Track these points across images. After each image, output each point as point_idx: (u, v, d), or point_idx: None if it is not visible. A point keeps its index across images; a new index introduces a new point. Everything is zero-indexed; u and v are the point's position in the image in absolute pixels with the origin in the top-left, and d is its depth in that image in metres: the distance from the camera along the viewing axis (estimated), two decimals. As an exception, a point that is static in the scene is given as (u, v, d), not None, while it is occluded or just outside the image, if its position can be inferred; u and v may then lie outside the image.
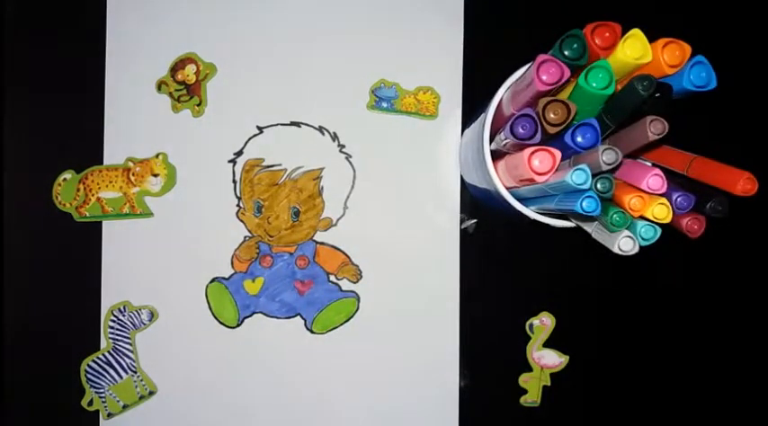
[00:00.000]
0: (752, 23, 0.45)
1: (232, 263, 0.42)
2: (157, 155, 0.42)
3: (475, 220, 0.43)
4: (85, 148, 0.41)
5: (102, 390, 0.41)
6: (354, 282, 0.42)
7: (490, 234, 0.43)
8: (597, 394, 0.44)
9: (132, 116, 0.42)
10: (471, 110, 0.42)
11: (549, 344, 0.43)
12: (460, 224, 0.43)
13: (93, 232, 0.41)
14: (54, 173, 0.41)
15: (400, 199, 0.42)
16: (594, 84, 0.28)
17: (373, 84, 0.43)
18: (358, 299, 0.42)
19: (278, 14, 0.43)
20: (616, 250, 0.30)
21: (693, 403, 0.44)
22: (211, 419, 0.42)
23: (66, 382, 0.41)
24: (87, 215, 0.41)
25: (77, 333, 0.41)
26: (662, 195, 0.29)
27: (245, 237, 0.42)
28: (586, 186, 0.28)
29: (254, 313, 0.42)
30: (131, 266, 0.41)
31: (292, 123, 0.42)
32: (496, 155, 0.34)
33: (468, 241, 0.43)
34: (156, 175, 0.41)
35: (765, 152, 0.44)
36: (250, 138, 0.42)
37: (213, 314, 0.42)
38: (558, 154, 0.29)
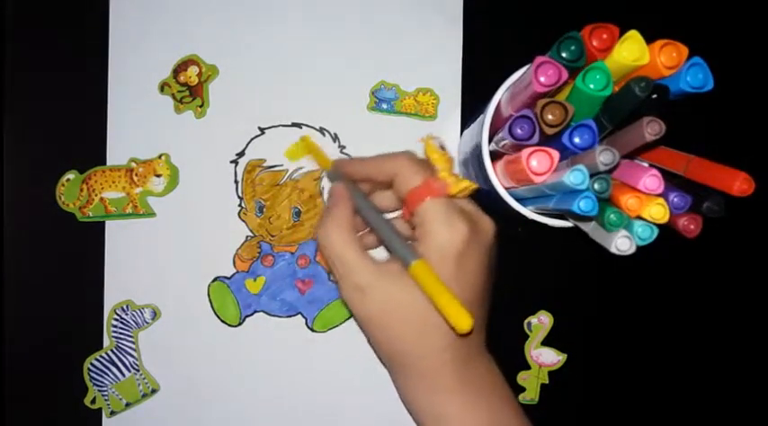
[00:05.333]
0: (749, 25, 0.45)
1: (234, 263, 0.42)
2: (160, 156, 0.42)
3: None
4: (88, 149, 0.42)
5: (105, 388, 0.41)
6: (355, 281, 0.43)
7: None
8: (595, 392, 0.44)
9: (135, 117, 0.42)
10: (470, 112, 0.43)
11: (546, 342, 0.44)
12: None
13: (96, 232, 0.42)
14: (57, 174, 0.41)
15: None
16: (592, 86, 0.28)
17: (373, 85, 0.43)
18: (358, 298, 0.42)
19: (279, 16, 0.43)
20: (613, 249, 0.31)
21: (691, 402, 0.45)
22: (213, 416, 0.42)
23: (70, 380, 0.41)
24: (90, 215, 0.42)
25: (80, 332, 0.41)
26: (659, 195, 0.29)
27: (247, 237, 0.42)
28: (584, 186, 0.28)
29: (255, 312, 0.42)
30: (134, 265, 0.42)
31: (293, 124, 0.43)
32: (495, 156, 0.34)
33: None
34: (158, 176, 0.42)
35: (762, 153, 0.44)
36: (252, 139, 0.42)
37: (215, 312, 0.42)
38: (556, 154, 0.29)
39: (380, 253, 0.36)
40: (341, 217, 0.35)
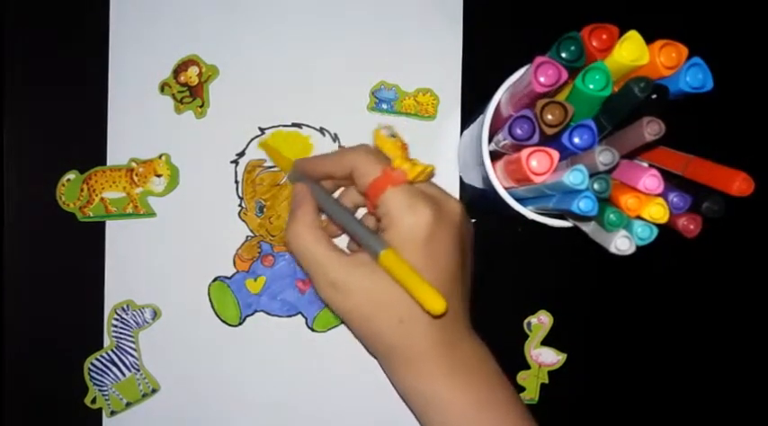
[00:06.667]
0: (748, 25, 0.46)
1: (234, 263, 0.42)
2: (160, 156, 0.42)
3: (473, 220, 0.43)
4: (89, 149, 0.42)
5: (105, 388, 0.41)
6: (355, 281, 0.43)
7: (489, 233, 0.43)
8: (594, 392, 0.44)
9: (135, 117, 0.42)
10: (470, 112, 0.43)
11: (546, 342, 0.44)
12: (460, 223, 0.43)
13: (96, 232, 0.42)
14: (57, 174, 0.41)
15: (400, 199, 0.43)
16: (592, 86, 0.28)
17: (373, 85, 0.43)
18: (358, 298, 0.43)
19: (279, 17, 0.43)
20: (613, 249, 0.31)
21: (691, 402, 0.45)
22: (213, 416, 0.42)
23: (70, 380, 0.41)
24: (91, 215, 0.42)
25: (81, 332, 0.42)
26: (658, 195, 0.30)
27: (247, 237, 0.42)
28: (583, 186, 0.28)
29: (255, 311, 0.42)
30: (134, 265, 0.42)
31: (293, 124, 0.43)
32: (495, 156, 0.34)
33: (467, 240, 0.43)
34: (159, 176, 0.42)
35: (762, 153, 0.45)
36: (252, 139, 0.42)
37: (215, 312, 0.42)
38: (556, 154, 0.29)
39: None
40: (306, 216, 0.35)
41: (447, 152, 0.43)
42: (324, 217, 0.38)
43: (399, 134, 0.36)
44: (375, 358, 0.37)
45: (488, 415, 0.34)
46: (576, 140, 0.29)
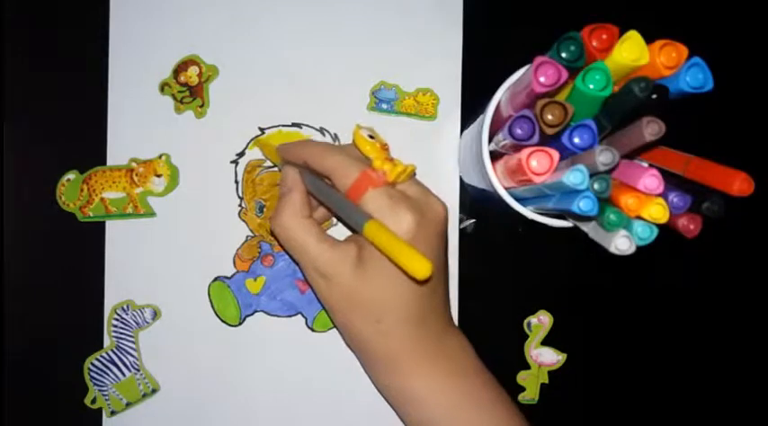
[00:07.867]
0: (748, 25, 0.46)
1: (234, 263, 0.42)
2: (160, 156, 0.42)
3: (473, 220, 0.43)
4: (89, 149, 0.42)
5: (105, 388, 0.41)
6: (355, 281, 0.43)
7: (489, 233, 0.43)
8: (594, 392, 0.44)
9: (135, 117, 0.42)
10: (470, 112, 0.43)
11: (546, 342, 0.44)
12: (459, 223, 0.43)
13: (96, 232, 0.42)
14: (57, 174, 0.41)
15: (400, 199, 0.43)
16: (592, 86, 0.28)
17: (373, 85, 0.43)
18: (358, 298, 0.43)
19: (279, 16, 0.43)
20: (613, 249, 0.31)
21: (691, 402, 0.45)
22: (213, 416, 0.42)
23: (70, 380, 0.41)
24: (91, 215, 0.42)
25: (81, 332, 0.42)
26: (658, 195, 0.30)
27: (247, 237, 0.42)
28: (583, 186, 0.28)
29: (255, 311, 0.42)
30: (134, 265, 0.42)
31: (294, 124, 0.43)
32: (495, 156, 0.34)
33: (466, 240, 0.43)
34: (159, 176, 0.42)
35: (762, 153, 0.45)
36: (252, 139, 0.42)
37: (215, 312, 0.42)
38: (556, 154, 0.30)
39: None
40: (296, 203, 0.35)
41: (447, 152, 0.43)
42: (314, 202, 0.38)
43: (379, 134, 0.36)
44: (354, 353, 0.37)
45: (470, 411, 0.34)
46: (576, 140, 0.29)
